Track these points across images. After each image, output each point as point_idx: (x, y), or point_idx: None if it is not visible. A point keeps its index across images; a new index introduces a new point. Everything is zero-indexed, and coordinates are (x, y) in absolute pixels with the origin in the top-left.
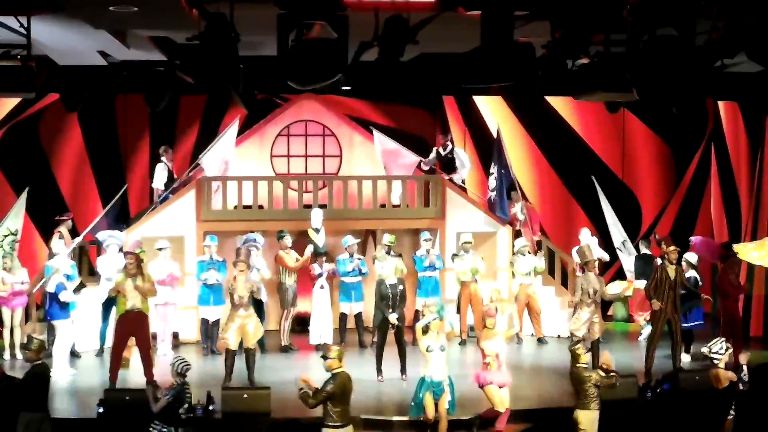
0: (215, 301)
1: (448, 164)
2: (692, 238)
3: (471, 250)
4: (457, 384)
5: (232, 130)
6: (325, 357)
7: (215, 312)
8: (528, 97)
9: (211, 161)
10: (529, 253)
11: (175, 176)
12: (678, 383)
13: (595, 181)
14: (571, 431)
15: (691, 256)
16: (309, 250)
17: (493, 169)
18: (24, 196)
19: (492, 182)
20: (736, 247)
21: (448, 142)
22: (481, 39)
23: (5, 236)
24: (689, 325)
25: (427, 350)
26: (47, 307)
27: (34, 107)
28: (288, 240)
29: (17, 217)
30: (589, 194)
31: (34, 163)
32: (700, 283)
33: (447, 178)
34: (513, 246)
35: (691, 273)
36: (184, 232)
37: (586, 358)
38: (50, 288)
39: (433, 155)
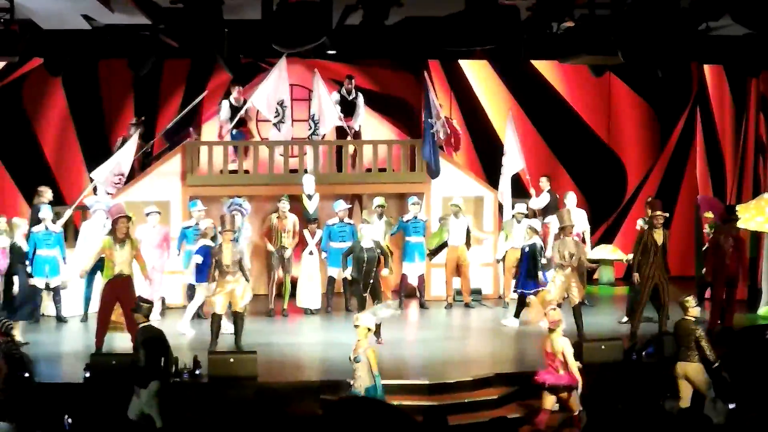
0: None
1: (348, 107)
2: (698, 197)
3: (461, 215)
4: (440, 349)
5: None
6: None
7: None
8: (513, 61)
9: (261, 99)
10: (526, 217)
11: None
12: (662, 347)
13: None
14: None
15: (536, 223)
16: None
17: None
18: None
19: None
20: (740, 210)
21: (351, 86)
22: (465, 2)
23: None
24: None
25: (355, 360)
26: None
27: (18, 71)
28: (284, 204)
29: None
30: (575, 159)
31: (17, 128)
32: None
33: (341, 123)
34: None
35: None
36: (169, 197)
37: (695, 311)
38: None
39: (336, 96)
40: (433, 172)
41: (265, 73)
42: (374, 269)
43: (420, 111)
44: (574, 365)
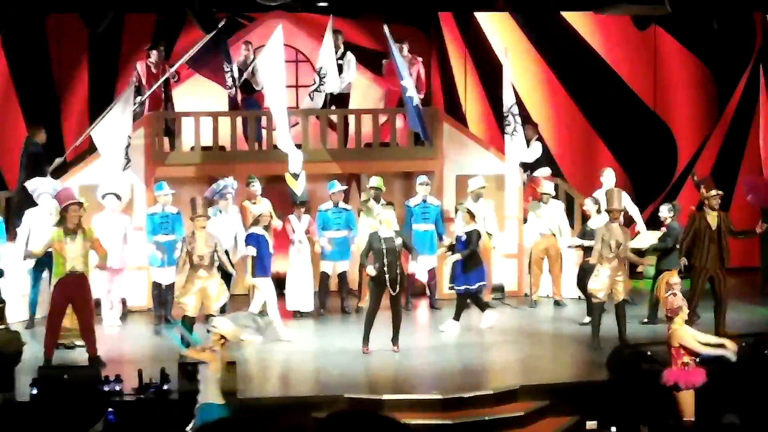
0: (169, 260)
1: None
2: (745, 179)
3: (481, 198)
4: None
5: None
6: None
7: (169, 274)
8: (540, 12)
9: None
10: (554, 198)
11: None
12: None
13: None
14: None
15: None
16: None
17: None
18: None
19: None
20: None
21: (339, 43)
22: None
23: None
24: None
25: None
26: None
27: None
28: (257, 187)
29: None
30: (615, 129)
31: None
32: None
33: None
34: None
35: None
36: (132, 178)
37: None
38: None
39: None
40: (426, 139)
41: (243, 30)
42: (398, 262)
43: (430, 73)
44: (707, 348)
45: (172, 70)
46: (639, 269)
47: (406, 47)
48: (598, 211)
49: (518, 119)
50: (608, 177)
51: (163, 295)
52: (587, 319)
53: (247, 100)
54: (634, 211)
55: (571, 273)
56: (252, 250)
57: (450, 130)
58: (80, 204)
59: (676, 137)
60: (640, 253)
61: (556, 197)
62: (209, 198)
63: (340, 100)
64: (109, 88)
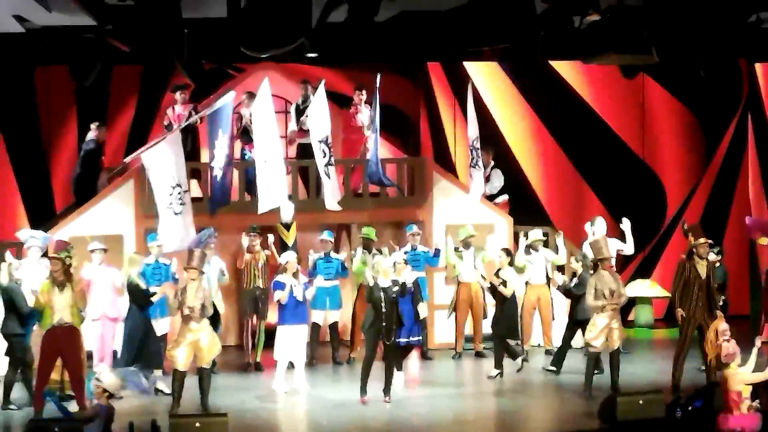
0: (161, 311)
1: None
2: (748, 219)
3: (472, 246)
4: (448, 409)
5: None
6: None
7: (161, 325)
8: (528, 62)
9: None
10: (543, 247)
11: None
12: (712, 399)
13: None
14: None
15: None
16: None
17: (368, 131)
18: None
19: (371, 144)
20: None
21: (309, 93)
22: None
23: None
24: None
25: None
26: None
27: None
28: (256, 237)
29: None
30: (603, 177)
31: None
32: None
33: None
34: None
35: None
36: (121, 230)
37: None
38: None
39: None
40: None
41: (232, 80)
42: (395, 311)
43: (419, 123)
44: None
45: (198, 116)
46: (630, 317)
47: (364, 95)
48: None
49: (480, 153)
50: (599, 226)
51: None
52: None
53: (244, 151)
54: (626, 246)
55: (562, 321)
56: (281, 295)
57: (439, 179)
58: (60, 258)
59: (664, 185)
60: (629, 302)
61: (546, 245)
62: (192, 248)
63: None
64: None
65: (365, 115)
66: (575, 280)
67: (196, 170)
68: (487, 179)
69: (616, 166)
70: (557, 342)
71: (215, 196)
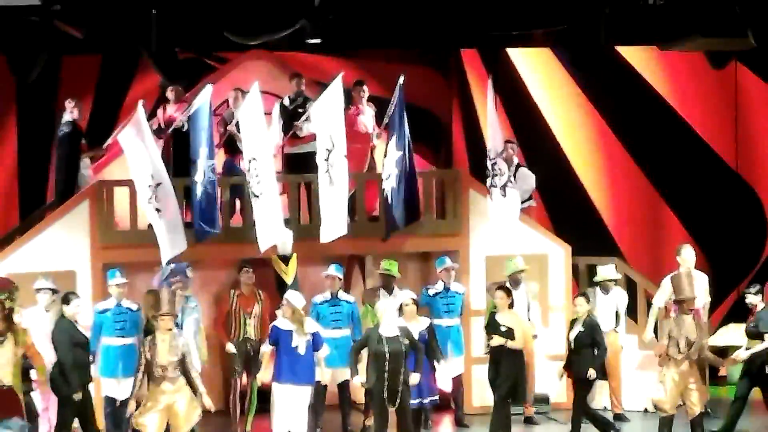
0: (125, 369)
1: (292, 119)
2: None
3: (522, 282)
4: None
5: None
6: None
7: (126, 386)
8: (590, 48)
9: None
10: (616, 285)
11: None
12: None
13: None
14: None
15: None
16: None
17: (394, 150)
18: None
19: (391, 167)
20: None
21: (300, 88)
22: None
23: None
24: None
25: None
26: None
27: None
28: (249, 276)
29: None
30: (687, 194)
31: None
32: None
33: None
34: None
35: None
36: (73, 264)
37: None
38: None
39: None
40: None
41: (214, 73)
42: (402, 370)
43: (451, 126)
44: None
45: (183, 117)
46: (721, 372)
47: (366, 92)
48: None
49: (504, 168)
50: (686, 255)
51: (118, 415)
52: None
53: (229, 162)
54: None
55: (633, 379)
56: (267, 348)
57: (478, 197)
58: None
59: (764, 203)
60: (721, 352)
61: (616, 283)
62: (159, 289)
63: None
64: (44, 150)
65: (368, 116)
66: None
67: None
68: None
69: (702, 179)
70: (628, 404)
71: (201, 221)
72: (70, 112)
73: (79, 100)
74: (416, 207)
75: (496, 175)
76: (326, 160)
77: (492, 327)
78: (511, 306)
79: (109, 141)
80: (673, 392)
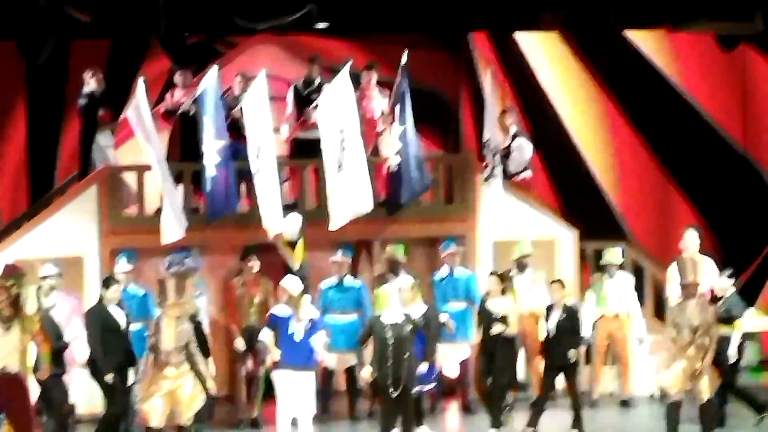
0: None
1: (305, 103)
2: None
3: (529, 268)
4: None
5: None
6: None
7: (132, 372)
8: (599, 31)
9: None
10: (621, 269)
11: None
12: None
13: None
14: None
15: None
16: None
17: (397, 125)
18: None
19: (396, 142)
20: None
21: (316, 73)
22: None
23: None
24: None
25: None
26: None
27: None
28: (255, 263)
29: None
30: (696, 177)
31: None
32: None
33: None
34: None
35: None
36: (82, 249)
37: None
38: None
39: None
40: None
41: (223, 57)
42: (405, 356)
43: (460, 110)
44: None
45: (189, 100)
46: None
47: (375, 75)
48: (503, 292)
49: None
50: (689, 240)
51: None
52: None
53: (235, 146)
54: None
55: (642, 363)
56: (265, 335)
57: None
58: (6, 287)
59: None
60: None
61: (622, 267)
62: (165, 277)
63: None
64: (53, 135)
65: (377, 101)
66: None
67: (180, 173)
68: (508, 154)
69: (711, 162)
70: (639, 389)
71: (214, 201)
72: (87, 84)
73: (97, 70)
74: (423, 181)
75: (491, 166)
76: (339, 145)
77: (484, 314)
78: (504, 292)
79: (121, 118)
80: (679, 377)
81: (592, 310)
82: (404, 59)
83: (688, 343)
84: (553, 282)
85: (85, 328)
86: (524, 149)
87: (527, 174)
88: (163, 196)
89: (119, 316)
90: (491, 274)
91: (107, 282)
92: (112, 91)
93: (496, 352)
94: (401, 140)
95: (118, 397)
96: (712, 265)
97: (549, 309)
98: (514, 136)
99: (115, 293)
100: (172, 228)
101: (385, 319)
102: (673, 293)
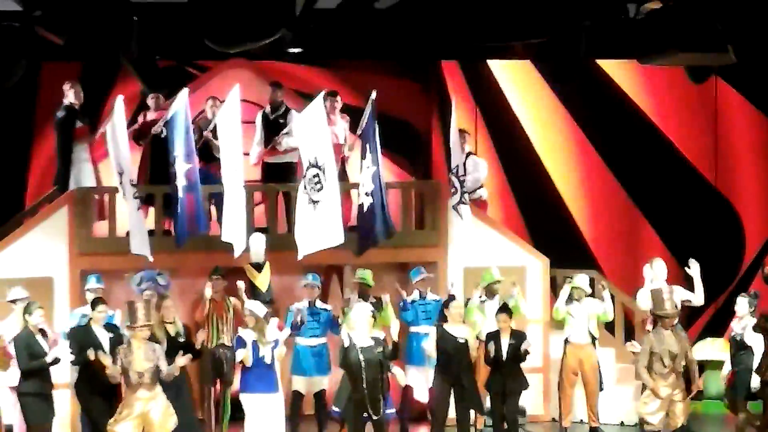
0: None
1: (272, 129)
2: None
3: (498, 294)
4: None
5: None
6: None
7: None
8: (569, 61)
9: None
10: (588, 296)
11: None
12: None
13: None
14: None
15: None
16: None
17: (369, 162)
18: None
19: (368, 182)
20: None
21: (279, 98)
22: None
23: None
24: None
25: None
26: None
27: None
28: (219, 282)
29: None
30: (664, 208)
31: None
32: None
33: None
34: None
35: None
36: (51, 271)
37: None
38: None
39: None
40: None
41: (193, 81)
42: (381, 378)
43: (430, 138)
44: None
45: (161, 123)
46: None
47: (339, 102)
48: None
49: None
50: (658, 270)
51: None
52: None
53: (204, 170)
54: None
55: (611, 391)
56: (241, 353)
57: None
58: None
59: (742, 218)
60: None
61: (592, 295)
62: (133, 300)
63: (284, 170)
64: (22, 157)
65: (340, 127)
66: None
67: (150, 195)
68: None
69: (680, 193)
70: (606, 417)
71: (183, 224)
72: (66, 96)
73: (75, 82)
74: (391, 222)
75: (459, 191)
76: (308, 176)
77: (443, 339)
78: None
79: (97, 135)
80: (660, 406)
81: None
82: (372, 97)
83: (669, 370)
84: (498, 312)
85: (70, 348)
86: (479, 166)
87: (483, 193)
88: (129, 216)
89: (103, 337)
90: (451, 297)
91: (94, 303)
92: (83, 113)
93: (462, 377)
94: (373, 182)
95: (100, 419)
96: (683, 291)
97: (492, 336)
98: (467, 155)
99: (101, 313)
100: (139, 248)
101: (356, 342)
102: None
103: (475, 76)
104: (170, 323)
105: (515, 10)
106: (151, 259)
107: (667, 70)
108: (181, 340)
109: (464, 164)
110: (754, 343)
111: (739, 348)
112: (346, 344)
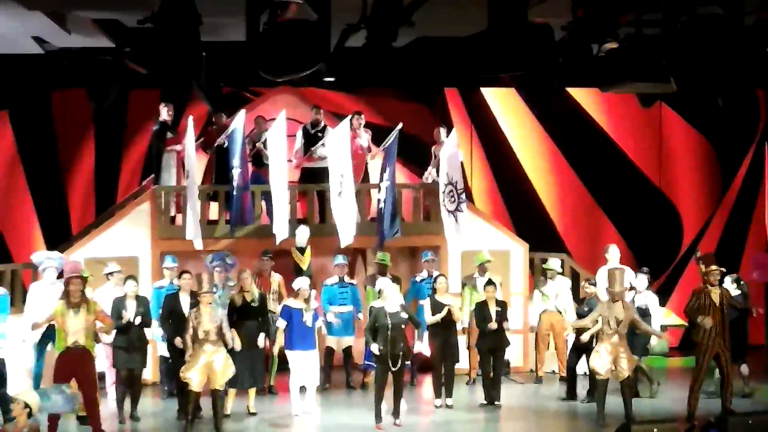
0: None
1: (312, 142)
2: (752, 255)
3: (488, 273)
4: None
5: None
6: None
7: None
8: (545, 89)
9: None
10: (560, 275)
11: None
12: (727, 428)
13: None
14: None
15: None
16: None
17: (387, 177)
18: None
19: (383, 193)
20: None
21: (320, 117)
22: (489, 19)
23: None
24: None
25: None
26: None
27: None
28: (268, 262)
29: None
30: (619, 206)
31: None
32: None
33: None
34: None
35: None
36: (137, 252)
37: None
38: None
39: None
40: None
41: (249, 104)
42: (401, 339)
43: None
44: None
45: (221, 138)
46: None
47: (363, 120)
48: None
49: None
50: (613, 254)
51: (170, 369)
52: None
53: (255, 174)
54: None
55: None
56: (281, 323)
57: None
58: (82, 278)
59: (681, 214)
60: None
61: (562, 274)
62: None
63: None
64: (115, 163)
65: (364, 139)
66: (585, 306)
67: (215, 193)
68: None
69: (632, 194)
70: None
71: (235, 216)
72: (161, 114)
73: (169, 104)
74: (396, 226)
75: (453, 201)
76: (339, 183)
77: (435, 308)
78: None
79: (179, 147)
80: (606, 360)
81: (537, 305)
82: (398, 127)
83: (613, 332)
84: (486, 285)
85: (161, 309)
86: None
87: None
88: (188, 209)
89: (185, 302)
90: (440, 275)
91: (181, 274)
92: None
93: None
94: (387, 194)
95: (178, 364)
96: (631, 273)
97: (481, 305)
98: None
99: (187, 281)
100: (192, 235)
101: (387, 308)
102: (602, 293)
103: (472, 101)
104: (247, 291)
105: (503, 48)
106: (200, 246)
107: (623, 97)
108: (255, 305)
109: (463, 177)
110: (654, 311)
111: (642, 316)
112: (377, 310)
